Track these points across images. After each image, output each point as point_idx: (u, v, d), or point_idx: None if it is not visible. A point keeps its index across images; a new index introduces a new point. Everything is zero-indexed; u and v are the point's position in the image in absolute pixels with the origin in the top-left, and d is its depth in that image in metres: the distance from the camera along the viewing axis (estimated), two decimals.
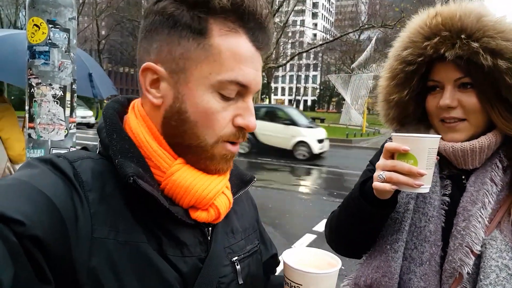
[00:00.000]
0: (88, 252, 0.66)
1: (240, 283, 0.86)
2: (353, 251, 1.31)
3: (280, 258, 0.93)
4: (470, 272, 1.04)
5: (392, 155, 1.03)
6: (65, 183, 0.69)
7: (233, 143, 0.80)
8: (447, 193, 1.17)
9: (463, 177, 1.17)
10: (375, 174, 1.04)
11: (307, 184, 10.28)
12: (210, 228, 0.84)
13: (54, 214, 0.63)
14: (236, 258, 0.88)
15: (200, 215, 0.79)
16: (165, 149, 0.78)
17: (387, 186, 1.01)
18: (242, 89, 0.76)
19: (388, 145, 1.02)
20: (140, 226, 0.73)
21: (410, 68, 1.16)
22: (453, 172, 1.19)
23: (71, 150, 0.82)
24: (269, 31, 0.79)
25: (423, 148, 0.98)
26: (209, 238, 0.83)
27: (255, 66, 0.77)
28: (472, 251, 1.05)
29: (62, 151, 1.07)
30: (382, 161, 1.04)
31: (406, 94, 1.20)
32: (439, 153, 1.04)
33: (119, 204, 0.73)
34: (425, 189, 0.99)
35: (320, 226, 6.16)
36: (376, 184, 1.03)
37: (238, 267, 0.87)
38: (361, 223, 1.16)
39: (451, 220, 1.12)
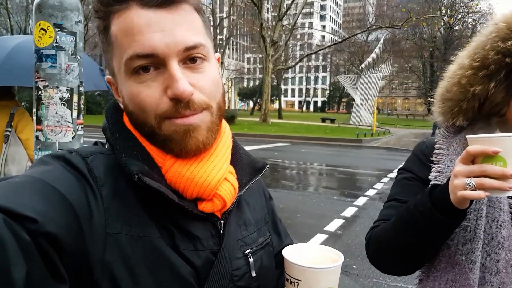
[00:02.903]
0: (102, 247, 0.66)
1: (253, 275, 0.85)
2: (408, 268, 1.20)
3: None
4: None
5: (473, 159, 0.95)
6: (79, 179, 0.69)
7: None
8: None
9: None
10: (459, 182, 0.94)
11: (318, 184, 10.25)
12: (222, 221, 0.83)
13: (68, 210, 0.63)
14: (249, 250, 0.86)
15: (206, 207, 0.79)
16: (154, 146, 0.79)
17: (481, 193, 0.90)
18: (153, 59, 0.71)
19: (473, 148, 0.93)
20: (152, 221, 0.73)
21: (508, 60, 1.06)
22: None
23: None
24: None
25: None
26: (221, 231, 0.82)
27: (158, 28, 0.71)
28: None
29: None
30: (464, 167, 0.94)
31: (492, 86, 1.10)
32: None
33: (132, 199, 0.73)
34: None
35: (331, 226, 6.12)
36: (466, 193, 0.92)
37: (251, 260, 0.85)
38: (429, 236, 1.06)
39: None
